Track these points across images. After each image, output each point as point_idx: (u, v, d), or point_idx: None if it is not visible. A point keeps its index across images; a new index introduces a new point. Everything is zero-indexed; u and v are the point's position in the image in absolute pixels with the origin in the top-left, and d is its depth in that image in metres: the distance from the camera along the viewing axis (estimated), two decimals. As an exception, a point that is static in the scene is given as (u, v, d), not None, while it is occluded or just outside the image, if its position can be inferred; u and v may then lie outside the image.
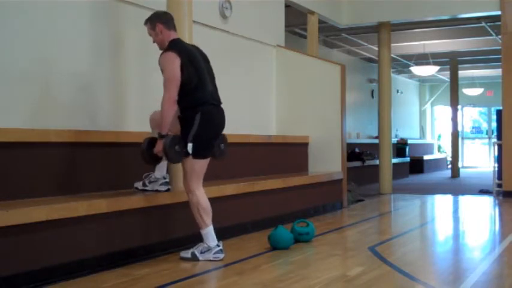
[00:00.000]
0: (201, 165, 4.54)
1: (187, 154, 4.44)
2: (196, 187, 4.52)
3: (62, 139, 4.53)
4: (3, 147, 4.09)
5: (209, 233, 4.52)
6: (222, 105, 4.70)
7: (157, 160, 4.63)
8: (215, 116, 4.58)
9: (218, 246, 4.53)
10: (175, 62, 4.33)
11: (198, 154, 4.46)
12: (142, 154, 4.55)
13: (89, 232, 4.19)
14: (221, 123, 4.66)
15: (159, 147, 4.40)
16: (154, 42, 4.61)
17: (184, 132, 4.46)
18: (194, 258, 4.50)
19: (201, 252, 4.51)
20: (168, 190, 4.85)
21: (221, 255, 4.53)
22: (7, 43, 4.61)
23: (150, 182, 4.85)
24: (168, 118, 4.35)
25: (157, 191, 4.82)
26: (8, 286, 3.59)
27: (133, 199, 4.55)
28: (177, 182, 5.09)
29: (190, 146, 4.41)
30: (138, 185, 4.88)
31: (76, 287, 3.83)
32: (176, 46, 4.46)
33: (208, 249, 4.50)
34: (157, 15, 4.59)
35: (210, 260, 4.49)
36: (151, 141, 4.50)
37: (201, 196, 4.53)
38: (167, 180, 4.88)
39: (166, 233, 4.88)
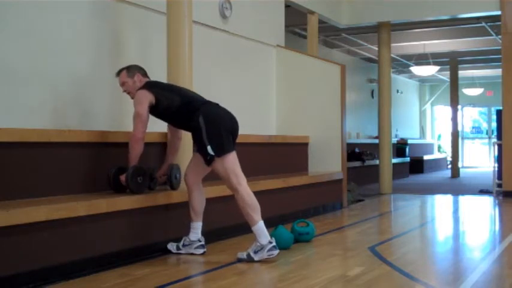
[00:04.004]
0: (231, 161, 4.52)
1: (212, 158, 4.45)
2: (238, 183, 4.51)
3: (62, 139, 4.53)
4: (3, 147, 4.08)
5: (260, 229, 4.45)
6: (222, 105, 4.72)
7: (121, 188, 4.64)
8: (216, 110, 4.61)
9: (271, 243, 4.44)
10: (144, 99, 4.54)
11: (220, 151, 4.46)
12: (108, 178, 4.64)
13: (89, 232, 4.19)
14: (227, 114, 4.64)
15: (123, 176, 4.56)
16: (124, 91, 4.74)
17: (198, 139, 4.50)
18: (250, 259, 4.44)
19: (255, 252, 4.44)
20: (203, 253, 4.72)
21: (275, 252, 4.44)
22: (7, 43, 4.62)
23: (184, 245, 4.74)
24: (135, 153, 4.53)
25: (192, 254, 4.70)
26: (8, 286, 3.59)
27: (133, 199, 4.55)
28: (182, 181, 5.08)
29: (209, 148, 4.43)
30: (172, 247, 4.78)
31: (76, 287, 3.83)
32: (147, 84, 4.68)
33: (261, 247, 4.42)
34: (136, 66, 4.79)
35: (266, 259, 4.43)
36: (120, 169, 4.64)
37: (245, 192, 4.50)
38: (202, 243, 4.75)
39: (167, 233, 4.88)
